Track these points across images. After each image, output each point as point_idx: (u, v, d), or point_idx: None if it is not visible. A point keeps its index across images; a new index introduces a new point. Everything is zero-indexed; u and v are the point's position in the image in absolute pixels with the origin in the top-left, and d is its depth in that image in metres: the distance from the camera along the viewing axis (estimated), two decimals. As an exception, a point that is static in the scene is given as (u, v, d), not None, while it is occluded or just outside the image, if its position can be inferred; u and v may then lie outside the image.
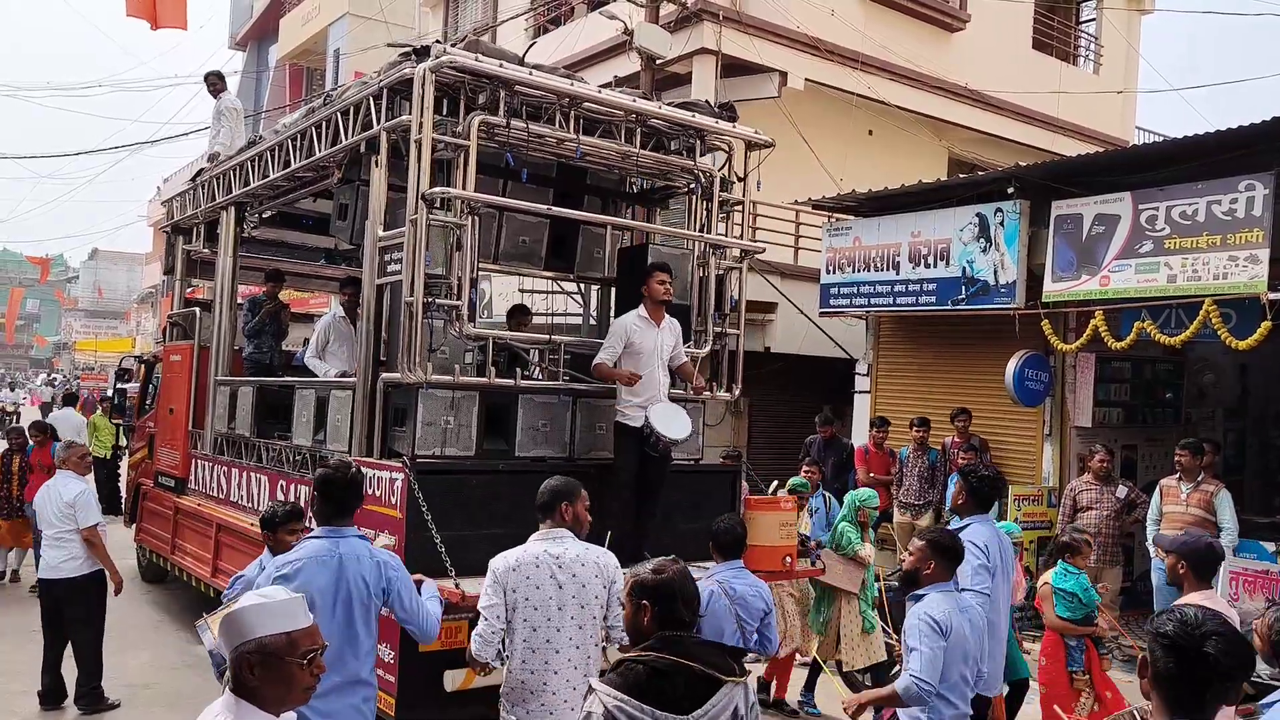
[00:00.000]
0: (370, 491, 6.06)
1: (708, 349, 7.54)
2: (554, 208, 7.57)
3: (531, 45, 8.12)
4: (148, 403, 12.03)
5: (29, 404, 44.42)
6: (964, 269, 10.27)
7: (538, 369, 7.60)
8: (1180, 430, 11.01)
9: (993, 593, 5.37)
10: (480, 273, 9.94)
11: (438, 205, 6.25)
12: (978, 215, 10.19)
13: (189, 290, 10.98)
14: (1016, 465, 10.82)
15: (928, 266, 10.64)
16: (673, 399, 6.86)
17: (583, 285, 9.81)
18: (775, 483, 10.58)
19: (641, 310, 6.73)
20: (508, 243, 8.38)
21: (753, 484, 7.89)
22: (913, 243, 10.81)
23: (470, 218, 6.35)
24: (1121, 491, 9.43)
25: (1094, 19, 20.03)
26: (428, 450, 6.35)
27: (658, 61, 13.55)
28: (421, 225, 6.17)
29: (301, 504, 6.06)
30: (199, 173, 10.65)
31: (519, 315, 8.95)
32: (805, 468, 9.23)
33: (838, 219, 12.23)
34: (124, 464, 12.62)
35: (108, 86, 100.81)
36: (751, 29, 14.39)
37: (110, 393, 15.82)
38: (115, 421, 14.87)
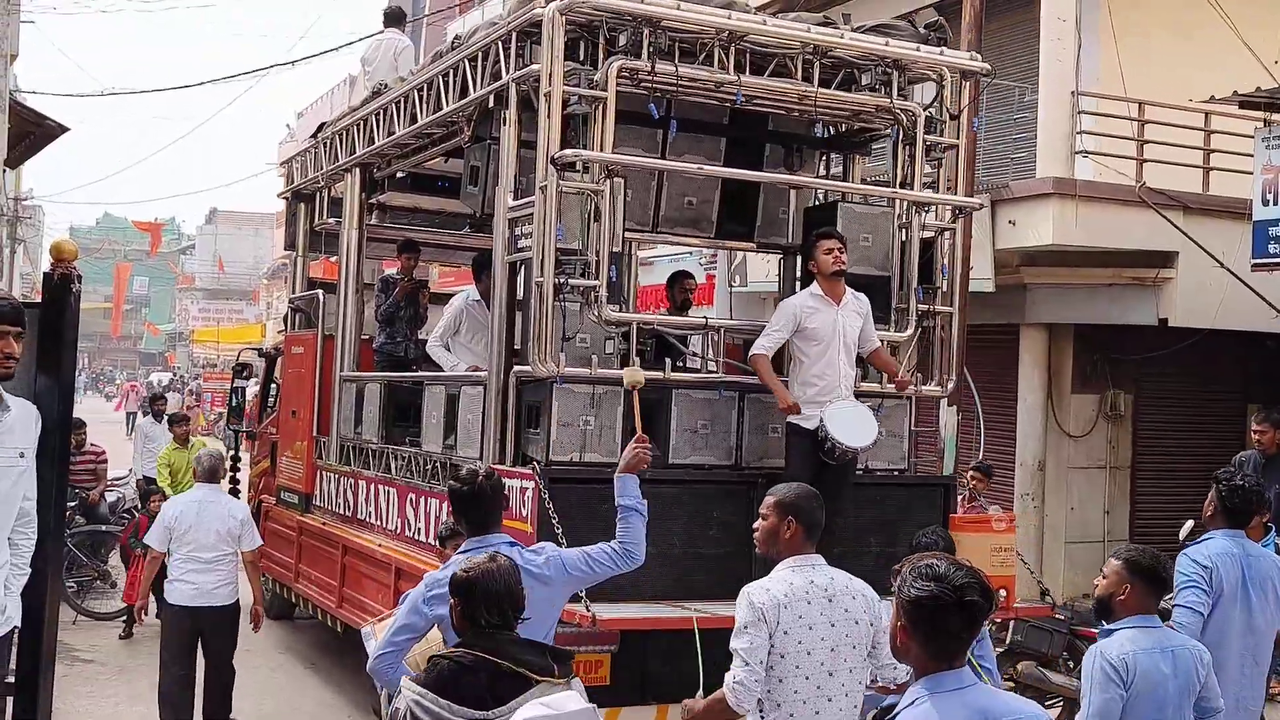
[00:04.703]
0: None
1: (910, 331, 7.03)
2: (706, 165, 7.40)
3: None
4: (269, 404, 11.72)
5: (115, 409, 41.18)
6: None
7: (695, 357, 7.44)
8: None
9: (1219, 619, 4.78)
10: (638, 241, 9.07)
11: (575, 168, 6.12)
12: None
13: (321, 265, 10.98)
14: None
15: None
16: (861, 396, 6.55)
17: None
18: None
19: (815, 288, 6.46)
20: (670, 205, 7.81)
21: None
22: None
23: (609, 181, 6.19)
24: None
25: None
26: (564, 455, 6.28)
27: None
28: (552, 193, 6.03)
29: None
30: (319, 128, 10.25)
31: (681, 282, 8.64)
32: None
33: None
34: (243, 479, 11.72)
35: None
36: None
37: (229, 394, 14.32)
38: (232, 427, 13.75)
